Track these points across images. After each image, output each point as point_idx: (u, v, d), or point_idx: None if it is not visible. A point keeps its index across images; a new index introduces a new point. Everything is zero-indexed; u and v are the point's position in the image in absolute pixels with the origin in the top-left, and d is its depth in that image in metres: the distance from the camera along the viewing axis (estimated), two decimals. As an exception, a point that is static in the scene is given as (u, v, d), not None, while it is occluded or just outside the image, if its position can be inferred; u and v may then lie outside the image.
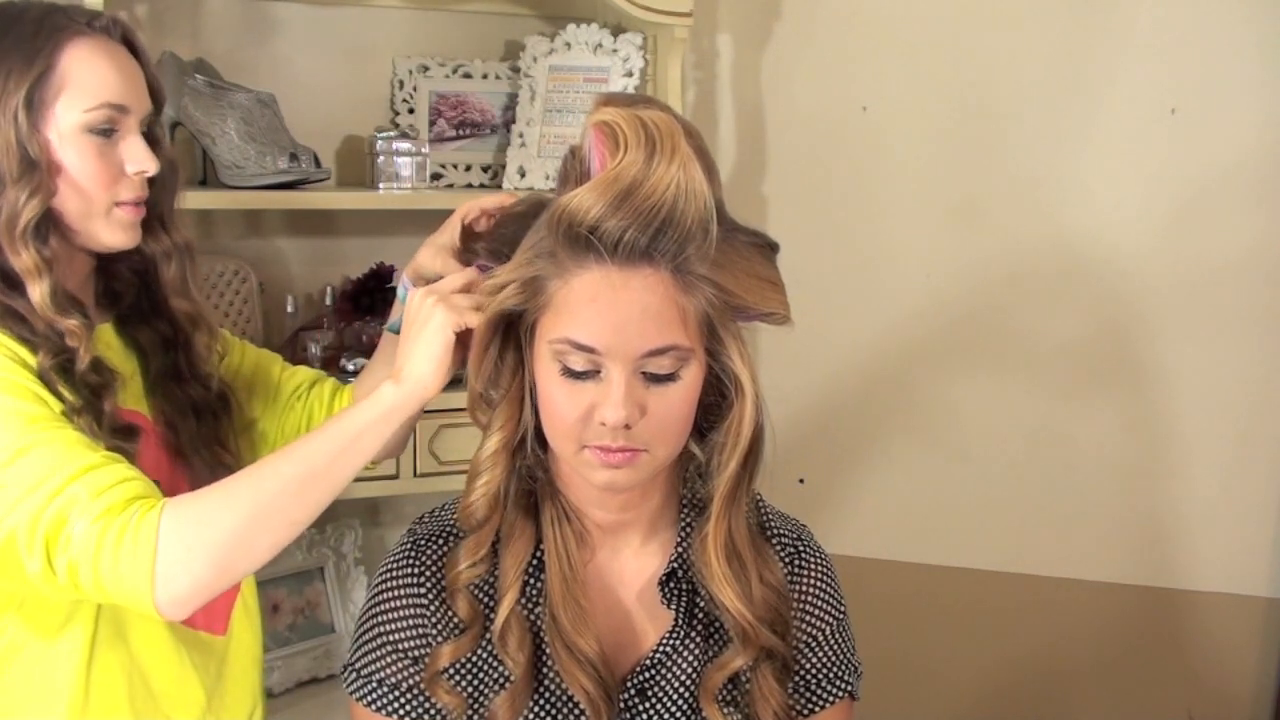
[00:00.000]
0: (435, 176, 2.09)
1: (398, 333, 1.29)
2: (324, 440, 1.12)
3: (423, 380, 1.11)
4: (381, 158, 1.96)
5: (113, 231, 1.22)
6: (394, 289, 2.04)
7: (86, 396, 1.16)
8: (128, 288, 1.31)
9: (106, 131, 1.20)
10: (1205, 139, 2.15)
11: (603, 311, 1.02)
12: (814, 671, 1.19)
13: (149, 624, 1.24)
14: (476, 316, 1.09)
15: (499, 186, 2.11)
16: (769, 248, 1.12)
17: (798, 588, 1.19)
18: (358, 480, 1.86)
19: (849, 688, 1.20)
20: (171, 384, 1.32)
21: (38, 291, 1.16)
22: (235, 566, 1.09)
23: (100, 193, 1.20)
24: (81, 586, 1.06)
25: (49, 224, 1.18)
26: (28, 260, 1.16)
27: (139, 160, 1.22)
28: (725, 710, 1.14)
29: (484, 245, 1.17)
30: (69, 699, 1.20)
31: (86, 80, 1.18)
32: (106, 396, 1.18)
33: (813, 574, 1.21)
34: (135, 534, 1.04)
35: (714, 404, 1.11)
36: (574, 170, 1.09)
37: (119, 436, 1.17)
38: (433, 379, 1.11)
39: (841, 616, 1.22)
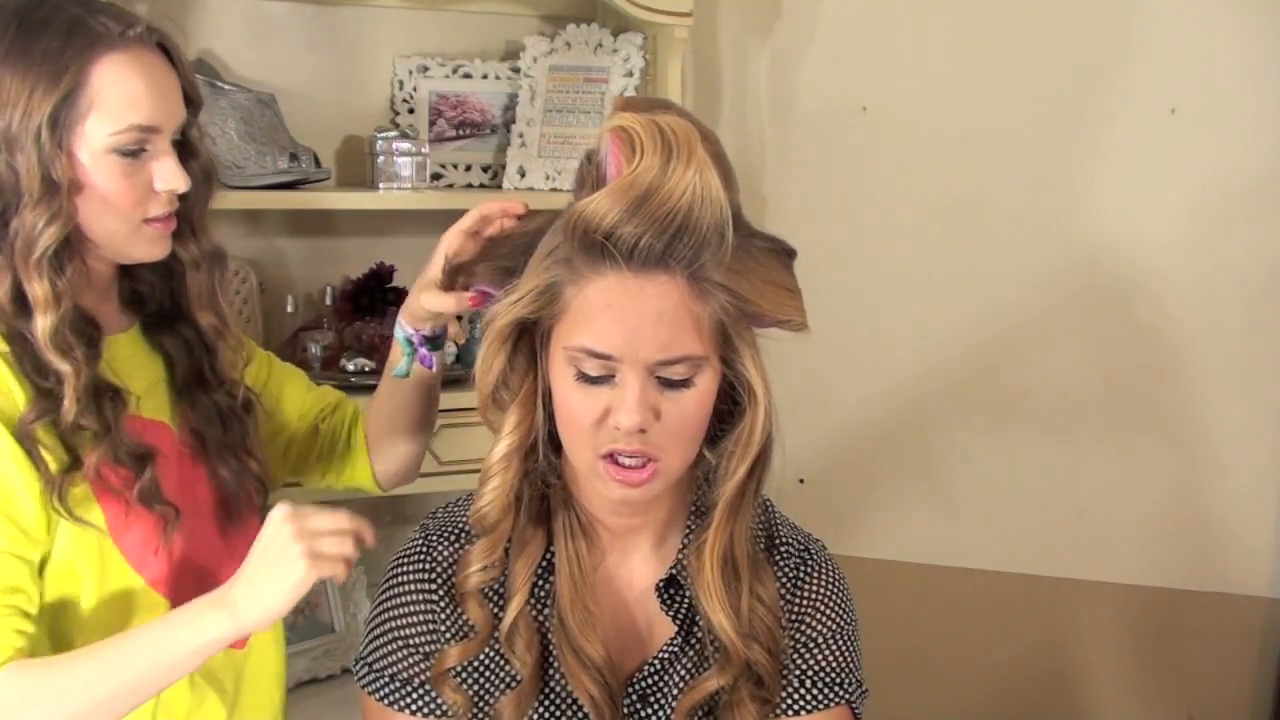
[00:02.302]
0: (435, 176, 2.09)
1: (405, 376, 1.29)
2: (142, 659, 1.10)
3: (259, 622, 1.11)
4: (381, 158, 1.96)
5: (141, 247, 1.20)
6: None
7: (91, 434, 1.14)
8: (153, 291, 1.28)
9: (135, 152, 1.15)
10: (1205, 139, 2.15)
11: (617, 318, 1.01)
12: (808, 674, 1.16)
13: None
14: (342, 570, 1.10)
15: (499, 187, 2.11)
16: (786, 254, 1.11)
17: (801, 593, 1.18)
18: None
19: (846, 696, 1.17)
20: (198, 391, 1.29)
21: (42, 323, 1.12)
22: None
23: (128, 211, 1.16)
24: None
25: (69, 250, 1.14)
26: (39, 291, 1.12)
27: (168, 179, 1.18)
28: None
29: (486, 266, 1.16)
30: None
31: (116, 101, 1.13)
32: (108, 436, 1.16)
33: (817, 583, 1.19)
34: None
35: (726, 411, 1.10)
36: (590, 175, 1.08)
37: (134, 462, 1.16)
38: (270, 621, 1.11)
39: (844, 626, 1.19)
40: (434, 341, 1.29)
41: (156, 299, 1.29)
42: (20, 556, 1.11)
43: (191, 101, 1.23)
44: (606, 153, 1.05)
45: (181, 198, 1.21)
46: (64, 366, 1.13)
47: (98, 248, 1.18)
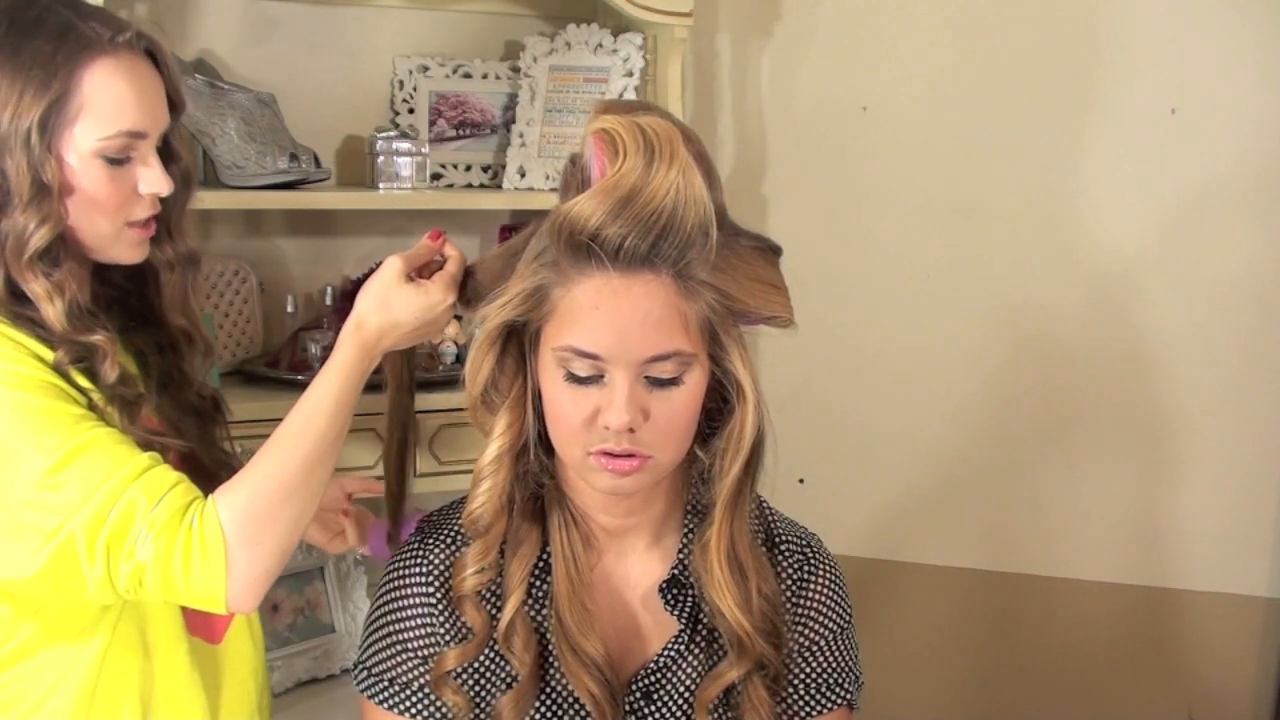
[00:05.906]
0: (435, 176, 2.09)
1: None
2: (309, 408, 1.14)
3: (381, 327, 1.18)
4: (381, 158, 1.96)
5: (123, 250, 1.21)
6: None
7: (119, 406, 1.15)
8: (124, 293, 1.29)
9: (122, 160, 1.16)
10: (1205, 140, 2.15)
11: (605, 318, 1.03)
12: (813, 677, 1.18)
13: (171, 637, 1.24)
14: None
15: (499, 186, 2.11)
16: (771, 251, 1.12)
17: (805, 593, 1.19)
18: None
19: (848, 696, 1.19)
20: (173, 390, 1.31)
21: (52, 312, 1.13)
22: (293, 545, 1.14)
23: (113, 215, 1.17)
24: (146, 591, 1.09)
25: (60, 246, 1.15)
26: (38, 288, 1.13)
27: (152, 184, 1.19)
28: None
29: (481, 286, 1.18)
30: (75, 702, 1.19)
31: (105, 107, 1.14)
32: (143, 405, 1.18)
33: (821, 581, 1.20)
34: (203, 544, 1.07)
35: (716, 409, 1.11)
36: (574, 178, 1.09)
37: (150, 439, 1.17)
38: (390, 326, 1.19)
39: (845, 625, 1.21)
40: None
41: (127, 300, 1.29)
42: (112, 430, 1.12)
43: (175, 106, 1.23)
44: (590, 155, 1.06)
45: (161, 200, 1.22)
46: (94, 338, 1.15)
47: (84, 249, 1.19)
